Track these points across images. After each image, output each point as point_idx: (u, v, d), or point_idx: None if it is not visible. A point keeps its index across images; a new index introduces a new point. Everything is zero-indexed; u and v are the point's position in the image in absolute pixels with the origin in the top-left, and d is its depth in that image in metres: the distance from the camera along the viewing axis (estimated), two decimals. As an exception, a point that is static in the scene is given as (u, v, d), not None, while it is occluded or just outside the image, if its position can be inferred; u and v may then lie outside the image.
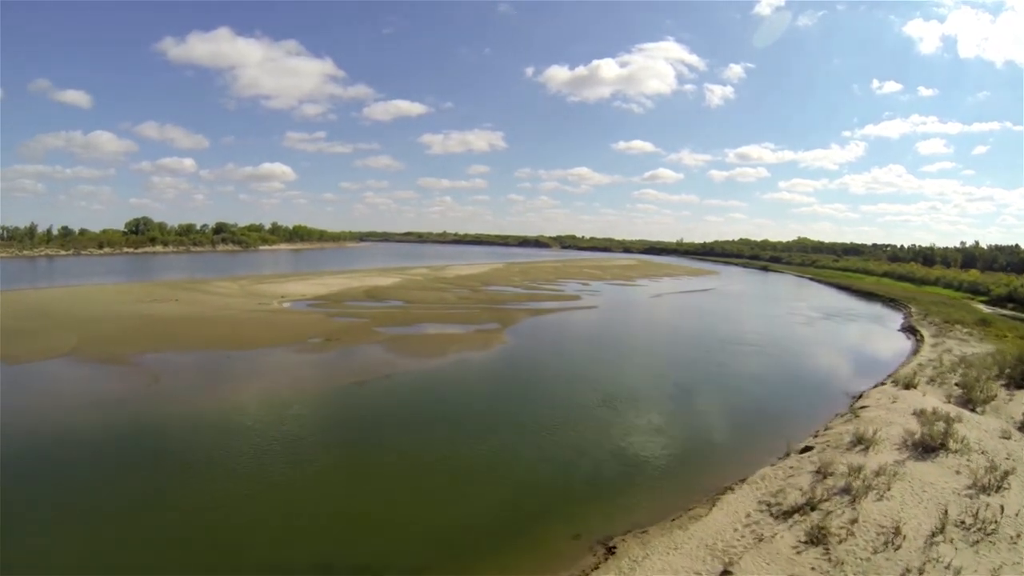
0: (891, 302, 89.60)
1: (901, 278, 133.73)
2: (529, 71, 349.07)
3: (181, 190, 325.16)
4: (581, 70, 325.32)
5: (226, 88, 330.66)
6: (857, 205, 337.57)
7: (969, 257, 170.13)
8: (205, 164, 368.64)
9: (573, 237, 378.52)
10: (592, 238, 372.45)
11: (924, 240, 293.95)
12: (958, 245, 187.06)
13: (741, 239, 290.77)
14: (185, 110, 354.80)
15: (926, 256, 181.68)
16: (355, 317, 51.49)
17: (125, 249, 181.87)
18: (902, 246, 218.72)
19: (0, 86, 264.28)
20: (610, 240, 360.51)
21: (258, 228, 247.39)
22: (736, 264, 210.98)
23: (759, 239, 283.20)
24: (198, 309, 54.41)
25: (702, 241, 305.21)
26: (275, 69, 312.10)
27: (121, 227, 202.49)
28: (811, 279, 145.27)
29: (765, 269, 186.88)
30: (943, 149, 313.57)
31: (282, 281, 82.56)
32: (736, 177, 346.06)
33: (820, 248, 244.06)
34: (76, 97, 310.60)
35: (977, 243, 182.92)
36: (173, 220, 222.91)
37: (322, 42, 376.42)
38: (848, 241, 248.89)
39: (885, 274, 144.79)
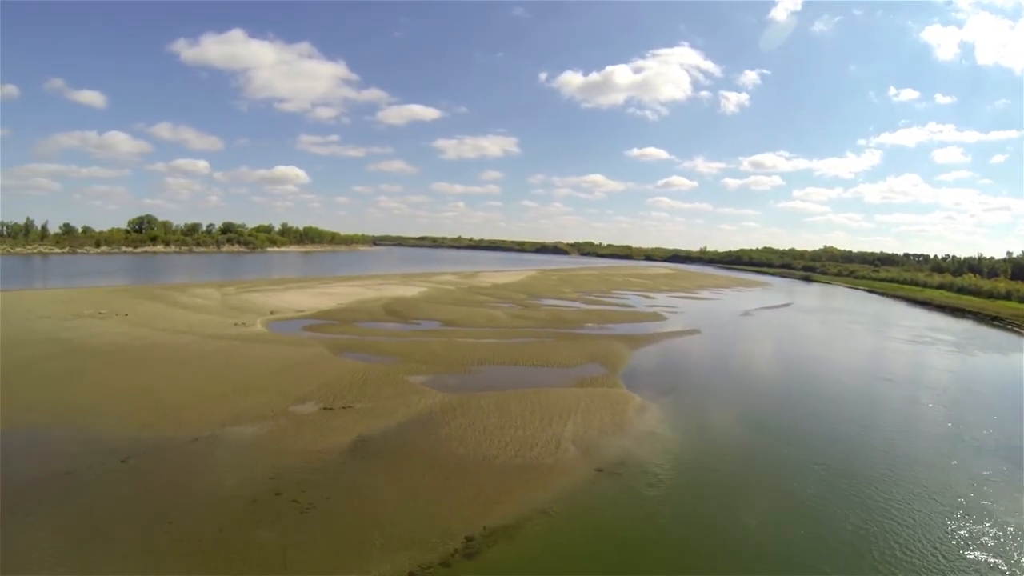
0: (995, 320, 72.16)
1: (962, 291, 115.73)
2: (543, 76, 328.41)
3: (195, 191, 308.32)
4: (595, 76, 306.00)
5: (239, 90, 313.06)
6: (872, 215, 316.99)
7: (1018, 268, 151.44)
8: (219, 166, 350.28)
9: (591, 244, 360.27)
10: (610, 245, 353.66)
11: (939, 250, 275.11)
12: (1005, 255, 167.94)
13: (765, 247, 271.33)
14: (199, 112, 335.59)
15: (971, 266, 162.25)
16: (374, 353, 31.91)
17: (124, 248, 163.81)
18: (935, 256, 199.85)
19: (15, 85, 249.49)
20: (628, 247, 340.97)
21: (267, 229, 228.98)
22: (769, 273, 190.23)
23: (785, 247, 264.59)
24: (143, 332, 35.06)
25: (727, 249, 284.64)
26: (288, 72, 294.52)
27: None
28: (867, 291, 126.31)
29: (807, 280, 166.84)
30: (960, 158, 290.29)
31: (279, 288, 63.20)
32: (750, 185, 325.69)
33: (850, 257, 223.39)
34: (91, 97, 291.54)
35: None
36: (186, 221, 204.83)
37: (335, 45, 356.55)
38: (865, 251, 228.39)
39: (940, 286, 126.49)
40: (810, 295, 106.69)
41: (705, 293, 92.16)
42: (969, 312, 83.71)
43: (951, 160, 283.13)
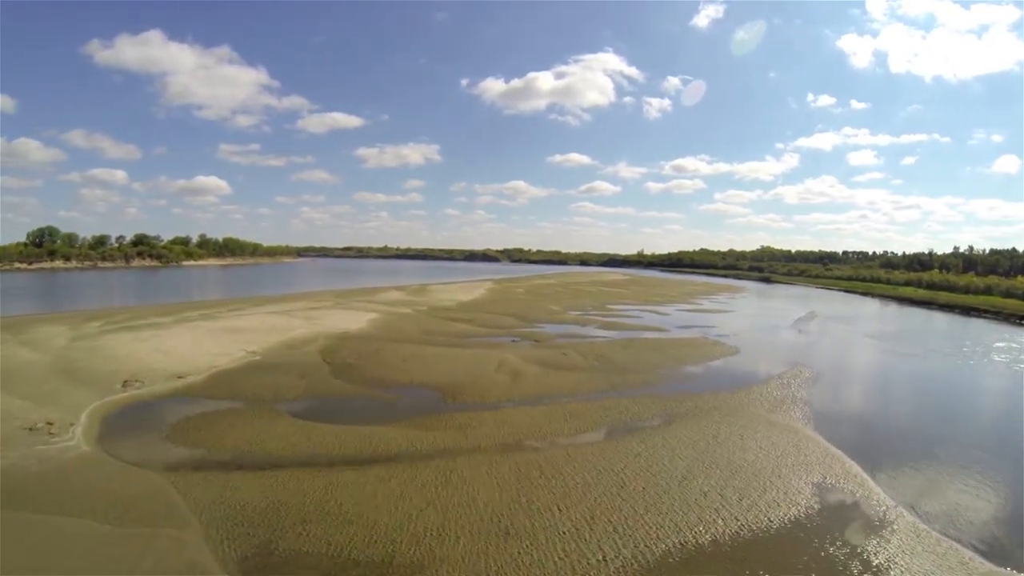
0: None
1: (931, 287, 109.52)
2: (464, 83, 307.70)
3: (112, 203, 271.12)
4: (516, 82, 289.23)
5: (156, 96, 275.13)
6: (791, 215, 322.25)
7: (968, 262, 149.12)
8: (137, 176, 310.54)
9: (521, 250, 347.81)
10: (540, 251, 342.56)
11: (853, 247, 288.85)
12: (952, 251, 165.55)
13: (702, 249, 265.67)
14: (114, 118, 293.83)
15: (922, 262, 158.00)
16: (337, 565, 12.50)
17: (18, 265, 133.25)
18: (875, 252, 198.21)
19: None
20: (559, 253, 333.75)
21: (183, 241, 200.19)
22: (721, 275, 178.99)
23: (713, 249, 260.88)
24: None
25: (665, 252, 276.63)
26: (208, 77, 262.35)
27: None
28: (842, 291, 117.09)
29: (767, 281, 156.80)
30: (873, 160, 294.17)
31: (167, 322, 40.82)
32: (672, 189, 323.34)
33: (792, 257, 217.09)
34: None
35: (972, 248, 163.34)
36: (100, 233, 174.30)
37: (256, 50, 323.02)
38: (804, 250, 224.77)
39: (907, 283, 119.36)
40: (807, 300, 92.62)
41: (704, 302, 76.02)
42: (985, 312, 74.50)
43: (865, 162, 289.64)
